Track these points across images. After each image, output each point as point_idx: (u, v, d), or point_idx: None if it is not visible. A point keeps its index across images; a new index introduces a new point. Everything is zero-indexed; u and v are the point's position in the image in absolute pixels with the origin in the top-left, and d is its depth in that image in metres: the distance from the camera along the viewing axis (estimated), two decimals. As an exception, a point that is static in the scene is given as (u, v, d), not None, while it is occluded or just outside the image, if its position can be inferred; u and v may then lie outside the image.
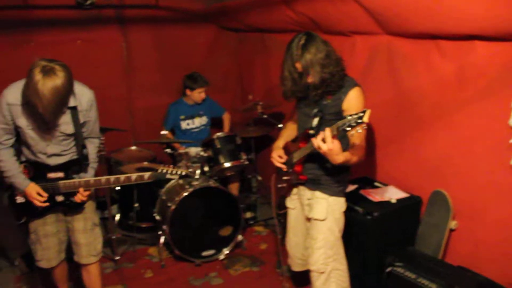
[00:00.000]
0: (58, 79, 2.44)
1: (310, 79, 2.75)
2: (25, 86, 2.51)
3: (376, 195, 3.39)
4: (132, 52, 5.32)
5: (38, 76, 2.40)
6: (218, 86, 5.56)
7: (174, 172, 3.06)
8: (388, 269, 3.00)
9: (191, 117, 5.02)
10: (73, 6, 4.64)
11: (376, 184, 3.61)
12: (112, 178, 2.96)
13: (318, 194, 2.92)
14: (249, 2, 4.51)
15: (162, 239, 4.16)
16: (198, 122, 5.07)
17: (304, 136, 2.88)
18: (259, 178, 5.24)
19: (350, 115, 2.32)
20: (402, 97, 3.47)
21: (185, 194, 3.90)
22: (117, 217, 4.70)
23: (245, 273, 3.97)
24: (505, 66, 2.73)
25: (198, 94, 4.90)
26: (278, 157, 3.10)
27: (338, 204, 2.93)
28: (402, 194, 3.39)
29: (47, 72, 2.42)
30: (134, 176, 3.00)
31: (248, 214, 4.80)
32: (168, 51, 5.46)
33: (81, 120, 2.83)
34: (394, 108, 3.55)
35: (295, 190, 3.19)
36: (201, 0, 5.25)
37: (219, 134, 4.47)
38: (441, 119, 3.18)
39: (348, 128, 2.32)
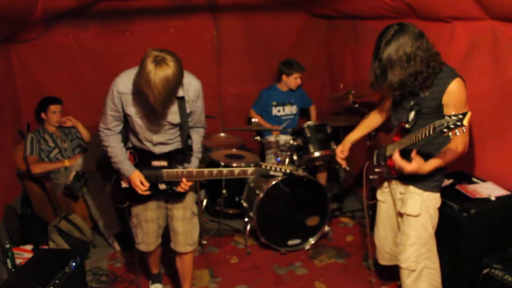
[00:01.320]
0: (169, 69, 2.47)
1: (389, 78, 2.55)
2: (137, 75, 2.58)
3: (473, 191, 3.19)
4: (222, 39, 5.41)
5: (150, 66, 2.44)
6: (307, 74, 5.48)
7: (278, 169, 3.02)
8: (485, 271, 2.82)
9: (283, 104, 5.04)
10: (165, -4, 4.77)
11: (474, 179, 3.39)
12: (215, 171, 2.98)
13: (412, 188, 2.79)
14: (342, -13, 4.41)
15: (248, 226, 4.20)
16: (289, 110, 5.07)
17: (399, 130, 2.75)
18: (347, 168, 5.12)
19: (449, 116, 2.14)
20: (506, 87, 3.22)
21: (274, 182, 3.90)
22: (205, 202, 4.81)
23: (330, 264, 3.92)
24: None
25: (294, 80, 4.91)
26: (340, 152, 3.01)
27: (433, 199, 2.77)
28: (502, 192, 3.16)
29: (159, 62, 2.45)
30: (237, 170, 3.01)
31: (335, 205, 4.73)
32: (258, 38, 5.48)
33: (188, 110, 2.87)
34: (496, 99, 3.31)
35: (386, 183, 3.08)
36: (291, -13, 5.22)
37: (309, 122, 4.42)
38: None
39: (445, 130, 2.16)
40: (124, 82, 2.73)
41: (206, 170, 2.96)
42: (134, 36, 5.12)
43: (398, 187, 2.92)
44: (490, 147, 3.40)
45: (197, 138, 3.06)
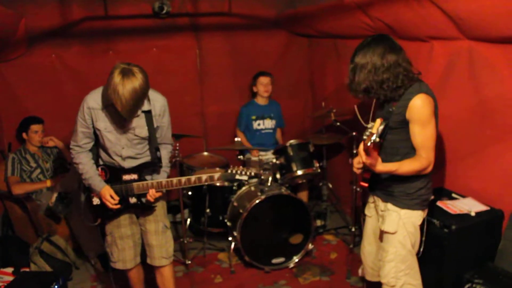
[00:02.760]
0: (136, 80, 2.61)
1: (355, 80, 2.67)
2: (106, 86, 2.70)
3: (454, 207, 3.24)
4: (205, 58, 5.44)
5: (118, 77, 2.59)
6: (289, 92, 5.57)
7: (243, 172, 3.12)
8: (467, 286, 2.85)
9: (262, 117, 5.07)
10: (149, 15, 4.80)
11: (454, 195, 3.44)
12: (183, 179, 3.10)
13: (389, 206, 2.82)
14: (321, 8, 4.46)
15: (232, 245, 4.18)
16: (269, 123, 5.10)
17: (374, 144, 2.79)
18: (330, 186, 5.16)
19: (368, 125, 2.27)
20: (483, 105, 3.29)
21: (257, 201, 3.91)
22: (188, 221, 4.79)
23: (314, 282, 3.92)
24: None
25: (261, 85, 4.98)
26: (357, 163, 3.05)
27: (411, 217, 2.78)
28: (482, 207, 3.21)
29: (126, 73, 2.60)
30: (204, 176, 3.12)
31: (318, 222, 4.74)
32: (240, 57, 5.53)
33: (155, 125, 2.98)
34: (474, 117, 3.37)
35: (372, 198, 3.11)
36: (273, 7, 5.31)
37: (292, 141, 4.43)
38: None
39: (364, 137, 2.28)
40: (94, 98, 2.87)
41: (175, 179, 3.07)
42: (117, 56, 5.11)
43: (380, 204, 2.95)
44: (469, 164, 3.45)
45: (165, 154, 3.17)
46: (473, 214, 3.13)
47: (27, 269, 3.92)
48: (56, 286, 3.16)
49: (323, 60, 5.49)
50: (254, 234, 3.99)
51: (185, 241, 4.20)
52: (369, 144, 2.31)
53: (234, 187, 4.36)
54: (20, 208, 4.33)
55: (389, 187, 2.80)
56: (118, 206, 3.03)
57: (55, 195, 4.13)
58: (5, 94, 4.84)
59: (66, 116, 4.97)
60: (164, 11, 4.95)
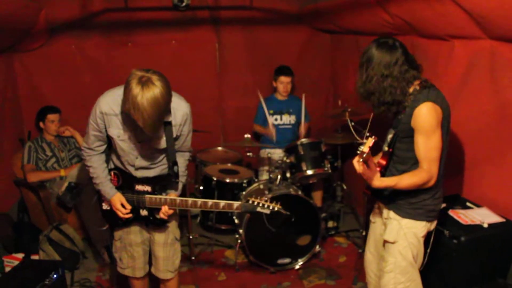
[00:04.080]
0: (156, 89, 2.32)
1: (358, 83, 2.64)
2: (123, 99, 2.41)
3: (466, 217, 3.07)
4: (224, 52, 5.38)
5: (136, 88, 2.30)
6: (310, 89, 5.43)
7: (266, 206, 2.92)
8: (474, 302, 2.70)
9: (280, 112, 4.99)
10: (169, 8, 4.76)
11: (468, 204, 3.26)
12: (200, 201, 2.85)
13: (391, 214, 2.68)
14: (342, 3, 4.34)
15: (238, 242, 4.12)
16: (287, 119, 5.01)
17: (383, 152, 2.67)
18: (345, 187, 5.02)
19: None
20: (504, 108, 3.10)
21: (264, 200, 3.82)
22: (199, 218, 4.75)
23: (319, 285, 3.81)
24: None
25: (281, 84, 4.92)
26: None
27: (413, 227, 2.62)
28: (496, 218, 3.02)
29: (145, 83, 2.31)
30: (222, 203, 2.88)
31: (331, 224, 4.62)
32: (261, 52, 5.45)
33: (174, 135, 2.74)
34: (494, 121, 3.19)
35: (377, 204, 2.98)
36: (295, 1, 5.19)
37: (303, 140, 4.34)
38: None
39: (358, 152, 2.19)
40: (108, 103, 2.61)
41: (190, 200, 2.82)
42: (136, 48, 5.14)
43: (384, 211, 2.82)
44: (487, 171, 3.27)
45: (182, 162, 2.93)
46: (485, 225, 2.95)
47: (37, 256, 3.98)
48: (55, 276, 3.15)
49: (345, 57, 5.34)
50: (260, 233, 3.89)
51: (191, 237, 4.15)
52: (361, 160, 2.22)
53: (244, 184, 4.29)
54: (35, 196, 4.39)
55: (392, 194, 2.66)
56: (129, 215, 2.86)
57: (65, 184, 4.16)
58: (26, 83, 4.92)
59: (84, 106, 4.97)
60: (184, 4, 4.87)
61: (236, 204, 2.88)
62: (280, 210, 2.94)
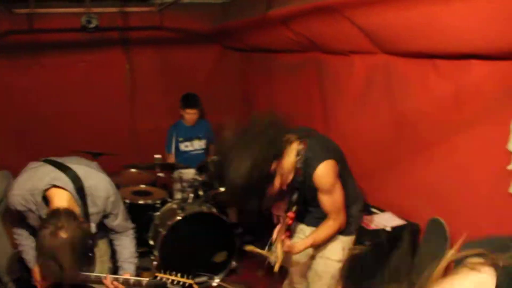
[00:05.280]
0: (67, 236, 2.08)
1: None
2: (39, 249, 2.19)
3: (371, 223, 3.22)
4: (135, 74, 5.34)
5: (48, 240, 2.07)
6: (222, 107, 5.48)
7: (175, 282, 2.71)
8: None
9: (190, 139, 4.96)
10: (77, 29, 4.67)
11: (373, 210, 3.43)
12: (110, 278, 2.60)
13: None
14: (249, 22, 4.45)
15: (154, 264, 4.04)
16: (197, 144, 5.00)
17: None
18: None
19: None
20: (399, 118, 3.31)
21: (177, 219, 3.80)
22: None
23: (237, 300, 3.83)
24: (502, 86, 2.56)
25: (187, 115, 4.89)
26: None
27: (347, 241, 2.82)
28: (399, 221, 3.20)
29: (53, 233, 2.08)
30: (132, 280, 2.64)
31: (248, 238, 4.63)
32: (173, 72, 5.46)
33: (98, 220, 2.54)
34: (392, 130, 3.39)
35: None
36: (205, 21, 5.24)
37: (214, 157, 4.36)
38: (439, 142, 3.01)
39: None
40: (20, 202, 2.41)
41: (103, 276, 2.58)
42: (44, 70, 4.99)
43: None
44: (388, 177, 3.46)
45: (128, 243, 2.76)
46: (388, 229, 3.11)
47: None
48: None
49: (256, 75, 5.47)
50: (175, 253, 3.85)
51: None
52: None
53: (157, 205, 4.23)
54: None
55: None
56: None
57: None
58: None
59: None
60: (93, 25, 4.81)
61: (145, 280, 2.63)
62: (192, 285, 2.76)
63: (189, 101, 4.89)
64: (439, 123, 2.97)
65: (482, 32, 2.39)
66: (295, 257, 2.92)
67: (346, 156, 2.88)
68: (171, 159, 4.93)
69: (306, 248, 2.58)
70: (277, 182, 2.40)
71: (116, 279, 2.59)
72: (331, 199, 2.53)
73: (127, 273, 2.67)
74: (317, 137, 2.63)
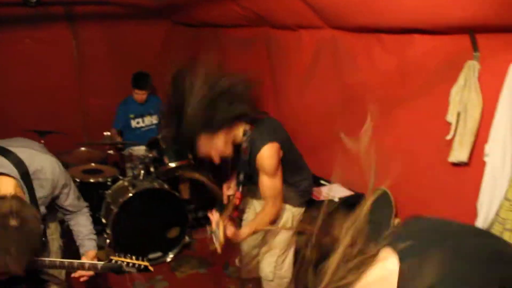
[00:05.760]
0: (17, 224, 1.94)
1: None
2: None
3: (319, 194, 3.31)
4: (83, 50, 5.21)
5: None
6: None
7: (131, 264, 2.65)
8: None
9: (141, 115, 4.90)
10: (19, 3, 4.49)
11: (322, 182, 3.52)
12: (66, 262, 2.51)
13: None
14: (196, -4, 4.40)
15: (107, 242, 4.02)
16: (149, 120, 4.95)
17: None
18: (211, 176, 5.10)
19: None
20: (346, 92, 3.38)
21: (128, 196, 3.78)
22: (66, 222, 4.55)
23: (191, 275, 3.87)
24: (442, 60, 2.66)
25: (136, 95, 4.84)
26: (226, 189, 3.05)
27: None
28: (346, 192, 3.30)
29: (2, 224, 1.94)
30: (87, 264, 2.54)
31: (201, 214, 4.68)
32: (122, 48, 5.36)
33: (47, 203, 2.44)
34: (339, 104, 3.46)
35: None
36: (154, -6, 5.14)
37: (164, 133, 4.32)
38: (384, 114, 3.10)
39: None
40: None
41: (57, 261, 2.51)
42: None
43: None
44: (336, 150, 3.48)
45: (84, 220, 2.68)
46: (336, 199, 3.21)
47: None
48: None
49: (205, 50, 5.42)
50: (128, 230, 3.85)
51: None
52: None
53: (109, 183, 4.19)
54: None
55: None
56: None
57: None
58: None
59: None
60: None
61: (100, 264, 2.57)
62: (148, 266, 2.73)
63: (138, 81, 4.82)
64: (385, 96, 3.05)
65: (425, 7, 2.46)
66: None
67: (296, 129, 2.94)
68: (114, 133, 4.85)
69: (248, 236, 2.64)
70: (220, 144, 2.44)
71: (71, 264, 2.53)
72: (271, 182, 2.58)
73: (90, 251, 2.64)
74: (264, 119, 2.67)
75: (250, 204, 3.10)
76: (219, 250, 2.48)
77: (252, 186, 2.78)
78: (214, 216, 2.56)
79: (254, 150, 2.52)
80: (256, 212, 3.00)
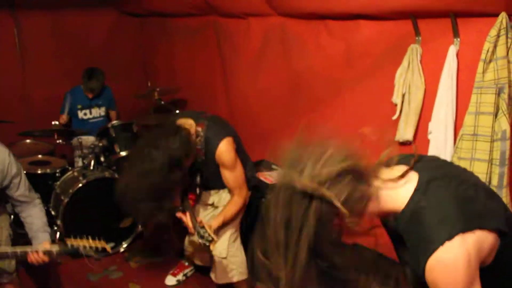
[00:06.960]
0: None
1: None
2: None
3: (271, 177, 3.38)
4: (25, 39, 5.02)
5: None
6: (122, 74, 5.35)
7: (88, 247, 2.67)
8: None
9: (89, 106, 4.80)
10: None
11: (273, 166, 3.59)
12: (19, 250, 2.53)
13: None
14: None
15: (57, 235, 3.93)
16: (96, 112, 4.84)
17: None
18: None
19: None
20: (295, 78, 3.47)
21: (79, 186, 3.71)
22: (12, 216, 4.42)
23: (146, 264, 3.84)
24: (387, 44, 2.78)
25: (86, 92, 4.74)
26: None
27: None
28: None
29: None
30: (41, 252, 2.53)
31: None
32: (67, 37, 5.20)
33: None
34: (288, 90, 3.54)
35: None
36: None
37: (114, 122, 4.26)
38: (333, 99, 3.21)
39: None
40: None
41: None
42: None
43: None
44: (286, 135, 3.58)
45: (37, 212, 2.66)
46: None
47: None
48: None
49: (154, 40, 5.39)
50: (78, 221, 3.76)
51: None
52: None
53: (58, 174, 4.09)
54: None
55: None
56: None
57: None
58: None
59: None
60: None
61: (55, 249, 2.57)
62: (105, 247, 2.81)
63: (90, 80, 4.65)
64: (333, 80, 3.16)
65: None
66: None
67: (248, 115, 2.99)
68: (63, 119, 4.72)
69: (218, 225, 2.72)
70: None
71: (24, 252, 2.53)
72: (234, 174, 2.73)
73: (44, 242, 2.59)
74: (211, 117, 2.78)
75: (204, 196, 3.13)
76: (212, 247, 2.53)
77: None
78: (188, 217, 2.65)
79: (211, 148, 2.66)
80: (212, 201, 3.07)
